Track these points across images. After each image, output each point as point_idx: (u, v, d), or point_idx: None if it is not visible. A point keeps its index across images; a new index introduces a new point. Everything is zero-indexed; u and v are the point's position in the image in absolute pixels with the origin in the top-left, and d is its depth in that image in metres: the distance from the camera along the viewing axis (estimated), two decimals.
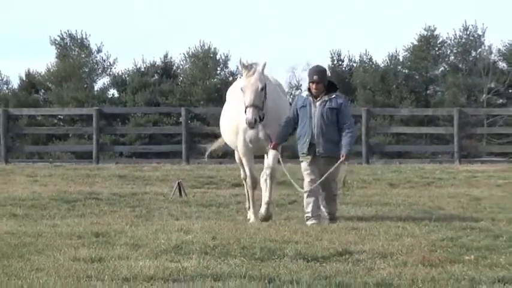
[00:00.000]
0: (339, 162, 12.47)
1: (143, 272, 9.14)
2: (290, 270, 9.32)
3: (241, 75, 13.61)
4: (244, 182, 14.66)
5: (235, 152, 14.62)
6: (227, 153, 20.74)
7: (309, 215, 12.81)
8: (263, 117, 13.28)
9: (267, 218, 13.62)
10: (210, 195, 18.62)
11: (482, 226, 13.08)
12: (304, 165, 12.74)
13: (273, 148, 13.33)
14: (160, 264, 9.63)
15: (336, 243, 10.90)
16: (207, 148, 17.10)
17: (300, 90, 45.91)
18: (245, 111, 13.14)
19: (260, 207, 13.98)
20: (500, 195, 18.62)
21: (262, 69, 13.36)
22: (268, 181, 13.71)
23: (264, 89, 13.27)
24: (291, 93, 50.50)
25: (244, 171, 14.35)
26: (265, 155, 13.93)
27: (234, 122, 14.04)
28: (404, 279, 8.79)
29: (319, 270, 9.32)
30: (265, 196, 13.78)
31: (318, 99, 12.65)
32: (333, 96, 12.70)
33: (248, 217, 14.23)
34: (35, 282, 8.67)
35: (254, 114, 13.00)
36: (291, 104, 14.39)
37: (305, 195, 12.75)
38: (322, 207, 12.98)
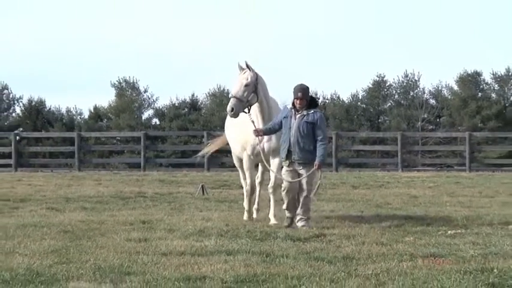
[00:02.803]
0: (312, 170, 11.01)
1: (176, 249, 9.15)
2: (281, 247, 9.33)
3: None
4: (243, 184, 12.63)
5: (234, 159, 12.67)
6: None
7: (285, 206, 11.23)
8: (249, 111, 11.40)
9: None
10: (224, 194, 18.61)
11: (418, 216, 13.08)
12: (284, 168, 11.25)
13: (256, 133, 11.29)
14: (189, 243, 9.63)
15: (314, 228, 10.94)
16: (202, 151, 15.28)
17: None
18: None
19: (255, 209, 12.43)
20: (431, 194, 18.60)
21: (254, 69, 11.46)
22: (271, 197, 11.89)
23: (248, 85, 11.29)
24: None
25: (244, 177, 12.42)
26: (262, 166, 12.14)
27: (243, 140, 11.94)
28: (362, 254, 8.79)
29: (302, 248, 9.32)
30: (271, 210, 11.91)
31: (299, 112, 11.09)
32: (312, 111, 11.13)
33: (244, 216, 12.37)
34: (98, 256, 8.67)
35: (232, 104, 11.25)
36: None
37: (283, 191, 11.13)
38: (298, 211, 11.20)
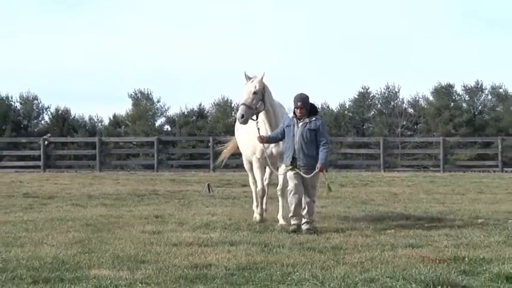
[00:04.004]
0: (314, 172, 10.20)
1: (185, 240, 9.14)
2: (278, 239, 9.33)
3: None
4: (252, 188, 11.70)
5: (245, 162, 11.85)
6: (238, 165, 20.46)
7: (291, 214, 10.29)
8: (257, 118, 10.64)
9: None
10: (228, 192, 18.61)
11: (398, 211, 13.08)
12: (289, 173, 10.44)
13: (260, 139, 10.57)
14: (196, 235, 9.62)
15: (318, 232, 10.71)
16: (219, 159, 13.88)
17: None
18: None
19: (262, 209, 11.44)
20: (410, 191, 18.61)
21: (261, 78, 10.68)
22: (279, 199, 11.16)
23: (257, 93, 10.53)
24: None
25: (254, 180, 11.53)
26: (269, 168, 11.18)
27: (252, 144, 11.08)
28: (349, 244, 8.79)
29: (296, 239, 9.31)
30: (280, 212, 11.14)
31: (301, 121, 10.37)
32: (313, 119, 10.40)
33: (254, 216, 11.39)
34: (117, 246, 8.66)
35: (241, 111, 10.45)
36: None
37: (290, 194, 10.34)
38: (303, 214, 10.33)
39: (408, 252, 8.17)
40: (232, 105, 54.66)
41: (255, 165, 11.23)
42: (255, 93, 10.47)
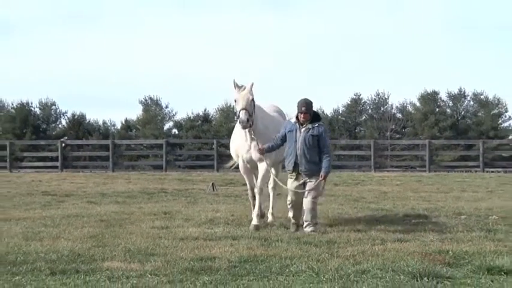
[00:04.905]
0: (318, 180, 9.48)
1: (191, 235, 9.13)
2: (277, 234, 9.31)
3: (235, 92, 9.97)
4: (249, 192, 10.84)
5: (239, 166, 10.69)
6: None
7: (291, 215, 9.77)
8: (253, 123, 9.89)
9: (257, 228, 9.79)
10: (230, 190, 18.58)
11: (387, 208, 13.07)
12: (289, 181, 9.72)
13: (260, 151, 9.87)
14: (201, 230, 9.61)
15: (322, 231, 10.49)
16: (228, 164, 12.47)
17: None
18: (238, 115, 9.84)
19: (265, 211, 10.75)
20: (398, 190, 18.58)
21: (251, 87, 9.87)
22: (256, 197, 10.22)
23: (253, 100, 9.88)
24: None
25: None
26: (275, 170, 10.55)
27: (236, 149, 10.47)
28: (342, 239, 8.77)
29: (293, 234, 9.29)
30: (256, 209, 10.20)
31: (303, 126, 9.56)
32: (316, 125, 9.56)
33: (254, 221, 10.08)
34: (129, 241, 8.65)
35: (246, 115, 9.68)
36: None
37: (289, 206, 9.71)
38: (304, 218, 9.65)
39: (397, 246, 8.16)
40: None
41: (241, 169, 10.52)
42: (252, 99, 9.87)
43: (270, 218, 10.68)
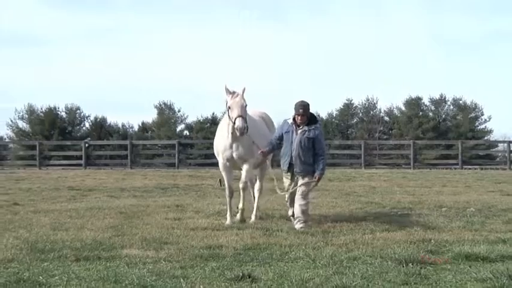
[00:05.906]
0: (312, 181, 8.97)
1: (201, 225, 9.12)
2: (277, 224, 9.28)
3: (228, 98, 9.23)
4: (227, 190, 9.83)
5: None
6: None
7: (290, 213, 9.28)
8: (247, 129, 9.08)
9: (241, 221, 9.42)
10: (235, 185, 18.50)
11: (376, 202, 13.04)
12: (285, 180, 9.22)
13: (262, 154, 9.28)
14: (210, 221, 9.60)
15: (312, 228, 10.36)
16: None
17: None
18: (234, 122, 9.03)
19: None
20: (386, 185, 18.55)
21: (243, 93, 9.12)
22: (241, 192, 9.58)
23: (246, 106, 9.13)
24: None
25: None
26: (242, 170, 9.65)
27: (216, 146, 9.71)
28: (336, 229, 8.75)
29: (292, 225, 9.27)
30: (240, 204, 9.62)
31: (300, 128, 8.93)
32: (312, 127, 8.91)
33: (226, 220, 9.50)
34: (145, 230, 8.64)
35: (243, 122, 8.93)
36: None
37: (287, 203, 9.36)
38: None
39: (385, 235, 8.14)
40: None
41: (220, 167, 9.70)
42: (246, 106, 9.11)
43: (252, 218, 9.72)
